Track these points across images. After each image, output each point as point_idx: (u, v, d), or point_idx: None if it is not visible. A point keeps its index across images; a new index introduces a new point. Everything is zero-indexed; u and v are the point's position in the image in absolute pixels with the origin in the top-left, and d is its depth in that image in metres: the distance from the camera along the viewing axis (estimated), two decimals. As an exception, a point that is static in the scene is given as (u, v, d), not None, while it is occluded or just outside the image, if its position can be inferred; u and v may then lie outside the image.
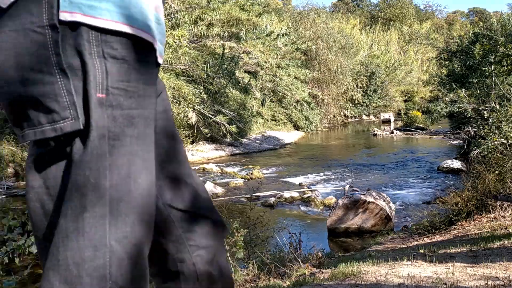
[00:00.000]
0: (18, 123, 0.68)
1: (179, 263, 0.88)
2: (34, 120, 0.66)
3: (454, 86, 12.37)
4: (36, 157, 0.70)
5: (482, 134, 7.24)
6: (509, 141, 6.04)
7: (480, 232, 4.73)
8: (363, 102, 29.30)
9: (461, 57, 12.63)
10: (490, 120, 7.00)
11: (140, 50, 0.68)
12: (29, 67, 0.64)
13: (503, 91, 9.11)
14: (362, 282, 2.56)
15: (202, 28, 17.00)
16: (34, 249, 2.56)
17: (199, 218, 0.90)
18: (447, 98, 16.02)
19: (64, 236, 0.65)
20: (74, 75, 0.64)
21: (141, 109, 0.68)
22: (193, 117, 14.32)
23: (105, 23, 0.64)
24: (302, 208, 8.10)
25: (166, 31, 14.69)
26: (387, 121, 25.77)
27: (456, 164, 10.79)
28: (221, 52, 16.82)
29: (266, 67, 20.37)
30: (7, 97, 0.66)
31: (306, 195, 8.70)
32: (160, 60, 0.75)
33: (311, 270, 3.43)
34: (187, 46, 15.20)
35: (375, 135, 19.64)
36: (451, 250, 3.47)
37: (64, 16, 0.63)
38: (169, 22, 15.72)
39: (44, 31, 0.63)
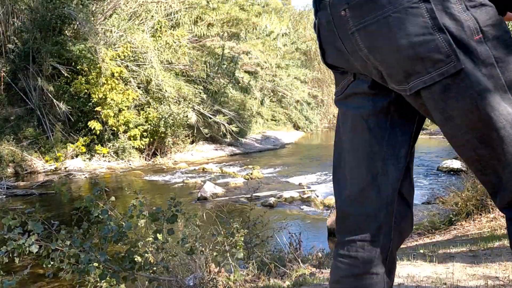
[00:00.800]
0: (404, 80, 0.90)
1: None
2: (422, 72, 0.87)
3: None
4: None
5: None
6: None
7: (480, 232, 4.73)
8: (363, 102, 29.33)
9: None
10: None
11: None
12: (414, 34, 0.85)
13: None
14: (362, 282, 2.56)
15: (202, 28, 17.00)
16: (34, 249, 2.56)
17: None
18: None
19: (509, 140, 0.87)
20: (450, 31, 0.85)
21: (509, 33, 0.87)
22: (193, 117, 14.32)
23: None
24: (302, 208, 8.10)
25: (166, 31, 14.72)
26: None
27: (456, 164, 10.79)
28: (221, 52, 16.82)
29: (266, 67, 20.38)
30: (397, 61, 0.88)
31: (306, 195, 8.70)
32: None
33: (311, 270, 3.43)
34: (187, 46, 15.19)
35: (375, 135, 19.63)
36: (451, 250, 3.47)
37: None
38: (169, 22, 15.71)
39: (418, 5, 0.85)
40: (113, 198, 3.06)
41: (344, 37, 0.95)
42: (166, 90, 13.58)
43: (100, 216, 2.82)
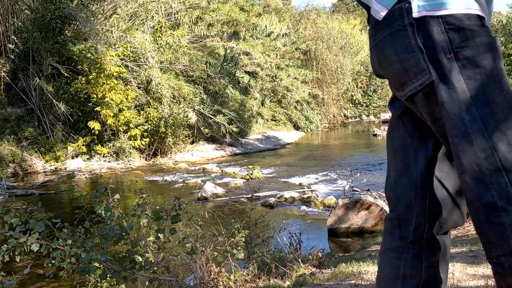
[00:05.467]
0: (400, 88, 1.09)
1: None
2: (409, 82, 1.05)
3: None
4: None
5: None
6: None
7: (480, 232, 4.73)
8: (363, 102, 29.32)
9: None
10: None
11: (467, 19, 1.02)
12: (401, 51, 1.04)
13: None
14: (362, 282, 2.56)
15: (202, 29, 17.01)
16: (35, 247, 2.56)
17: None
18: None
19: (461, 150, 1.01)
20: (426, 49, 1.01)
21: (482, 54, 1.00)
22: (193, 117, 14.32)
23: (439, 12, 1.01)
24: (302, 208, 8.10)
25: (166, 31, 14.73)
26: (387, 121, 25.72)
27: (456, 164, 10.78)
28: (223, 53, 16.83)
29: (266, 67, 20.38)
30: (393, 72, 1.09)
31: (306, 195, 8.70)
32: (484, 16, 1.05)
33: (311, 270, 3.43)
34: (187, 46, 15.20)
35: (375, 135, 19.65)
36: (451, 250, 3.47)
37: (415, 15, 1.02)
38: (169, 23, 15.71)
39: (406, 28, 1.03)
40: (117, 196, 3.06)
41: (371, 52, 1.19)
42: (162, 92, 13.57)
43: (103, 213, 2.82)
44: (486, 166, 0.96)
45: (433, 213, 1.17)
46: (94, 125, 12.70)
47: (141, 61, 13.91)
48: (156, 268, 2.93)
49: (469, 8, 1.02)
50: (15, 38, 13.09)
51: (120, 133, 13.23)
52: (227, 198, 8.80)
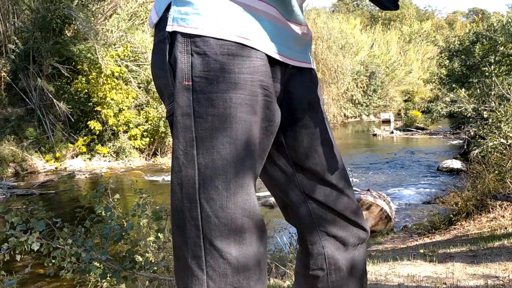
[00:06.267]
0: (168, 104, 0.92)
1: (310, 245, 1.04)
2: (165, 101, 0.90)
3: (454, 86, 12.38)
4: None
5: (482, 134, 7.25)
6: (509, 141, 6.04)
7: (480, 232, 4.74)
8: (363, 102, 29.31)
9: (462, 56, 12.64)
10: (490, 120, 7.01)
11: (220, 46, 0.84)
12: (157, 67, 0.89)
13: (503, 91, 9.12)
14: (362, 282, 2.56)
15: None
16: (35, 246, 2.57)
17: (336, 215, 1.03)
18: (447, 98, 16.04)
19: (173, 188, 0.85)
20: (173, 70, 0.85)
21: (221, 93, 0.82)
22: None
23: (189, 30, 0.84)
24: (302, 208, 8.10)
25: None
26: (387, 121, 25.76)
27: (456, 164, 10.80)
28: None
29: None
30: (156, 85, 0.93)
31: (306, 195, 8.70)
32: (249, 43, 0.86)
33: (311, 269, 3.43)
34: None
35: (375, 135, 19.64)
36: (451, 250, 3.48)
37: (168, 29, 0.85)
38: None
39: (164, 41, 0.87)
40: (117, 196, 3.07)
41: None
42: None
43: (103, 213, 2.82)
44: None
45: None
46: (95, 125, 12.71)
47: (141, 61, 13.92)
48: (156, 268, 2.94)
49: (227, 32, 0.83)
50: (16, 38, 13.09)
51: (120, 133, 13.23)
52: (227, 198, 8.79)
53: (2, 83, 13.08)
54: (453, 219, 5.85)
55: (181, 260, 0.82)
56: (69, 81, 13.27)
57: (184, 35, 0.84)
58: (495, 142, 6.26)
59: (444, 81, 13.93)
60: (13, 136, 12.10)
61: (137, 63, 13.89)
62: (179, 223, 0.83)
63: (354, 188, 6.01)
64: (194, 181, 0.81)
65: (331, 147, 1.03)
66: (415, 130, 19.79)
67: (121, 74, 13.06)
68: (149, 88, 14.06)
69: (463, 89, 11.56)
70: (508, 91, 8.82)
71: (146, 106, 13.96)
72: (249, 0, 0.86)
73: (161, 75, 0.88)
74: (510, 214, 5.20)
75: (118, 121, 12.95)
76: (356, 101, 28.78)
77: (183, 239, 0.82)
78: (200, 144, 0.82)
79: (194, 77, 0.82)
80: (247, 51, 0.85)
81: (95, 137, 13.06)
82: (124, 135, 13.23)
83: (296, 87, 0.99)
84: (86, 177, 11.27)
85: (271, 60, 0.90)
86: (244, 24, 0.85)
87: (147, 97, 14.06)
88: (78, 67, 13.21)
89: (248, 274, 0.80)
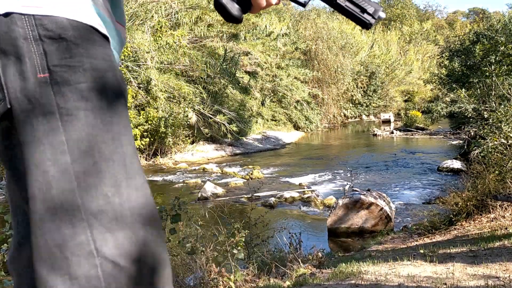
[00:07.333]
0: None
1: None
2: None
3: (454, 86, 12.38)
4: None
5: (482, 134, 7.24)
6: (509, 141, 6.04)
7: (480, 232, 4.73)
8: (363, 102, 29.31)
9: (462, 56, 12.64)
10: (490, 120, 7.01)
11: (76, 28, 0.69)
12: None
13: (503, 91, 9.12)
14: (362, 282, 2.56)
15: (202, 29, 17.01)
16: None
17: None
18: (447, 98, 16.03)
19: (38, 219, 0.65)
20: (7, 60, 0.66)
21: (90, 82, 0.68)
22: (193, 117, 14.33)
23: (33, 9, 0.67)
24: (302, 208, 8.10)
25: (166, 31, 14.73)
26: (387, 121, 25.77)
27: (456, 164, 10.80)
28: (223, 53, 16.82)
29: (266, 67, 20.39)
30: None
31: (306, 195, 8.70)
32: (106, 33, 0.73)
33: (311, 270, 3.43)
34: (187, 46, 15.20)
35: (375, 135, 19.64)
36: (451, 250, 3.47)
37: (0, 10, 0.67)
38: (169, 23, 15.72)
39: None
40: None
41: None
42: (157, 94, 13.58)
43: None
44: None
45: None
46: (94, 125, 12.71)
47: (141, 61, 13.92)
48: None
49: (82, 16, 0.69)
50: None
51: (120, 133, 13.23)
52: (227, 198, 8.80)
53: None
54: (453, 219, 5.85)
55: None
56: (69, 81, 13.26)
57: (25, 16, 0.66)
58: (495, 142, 6.25)
59: (444, 81, 13.93)
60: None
61: (137, 63, 13.89)
62: (58, 264, 0.64)
63: (354, 188, 5.99)
64: (73, 197, 0.64)
65: None
66: (415, 130, 19.79)
67: (121, 74, 13.05)
68: (149, 88, 14.06)
69: (464, 89, 11.56)
70: (509, 91, 8.81)
71: (146, 106, 13.96)
72: None
73: None
74: (510, 214, 5.19)
75: (118, 121, 12.94)
76: (356, 101, 28.78)
77: None
78: (73, 147, 0.65)
79: (52, 67, 0.66)
80: (104, 41, 0.72)
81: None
82: (124, 135, 13.23)
83: None
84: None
85: None
86: (95, 15, 0.72)
87: (147, 97, 14.06)
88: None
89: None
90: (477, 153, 6.96)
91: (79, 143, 0.66)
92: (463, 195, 5.95)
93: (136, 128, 13.35)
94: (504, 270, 2.59)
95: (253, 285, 3.15)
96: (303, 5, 0.88)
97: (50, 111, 0.66)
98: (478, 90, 11.02)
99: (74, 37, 0.68)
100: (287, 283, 3.00)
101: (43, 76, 0.66)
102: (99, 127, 0.67)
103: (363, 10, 0.84)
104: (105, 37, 0.73)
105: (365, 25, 0.85)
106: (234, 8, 0.83)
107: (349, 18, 0.86)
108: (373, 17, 0.85)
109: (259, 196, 8.58)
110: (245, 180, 10.51)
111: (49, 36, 0.67)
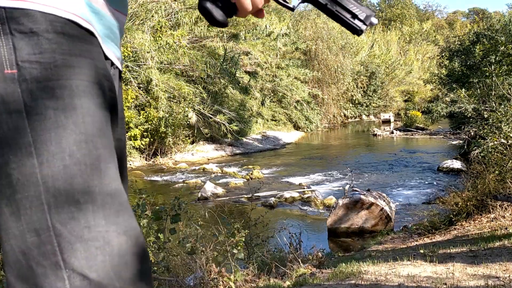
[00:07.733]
0: None
1: None
2: None
3: (454, 86, 12.39)
4: None
5: (482, 134, 7.24)
6: (509, 141, 6.04)
7: (480, 232, 4.73)
8: (363, 102, 29.31)
9: (462, 56, 12.65)
10: (490, 120, 7.01)
11: (52, 22, 0.65)
12: None
13: (503, 91, 9.12)
14: (362, 282, 2.57)
15: (202, 29, 17.01)
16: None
17: None
18: (447, 98, 16.03)
19: (2, 224, 0.62)
20: None
21: (63, 80, 0.64)
22: (193, 117, 14.33)
23: (5, 2, 0.63)
24: (302, 208, 8.10)
25: (166, 31, 14.74)
26: (387, 121, 25.78)
27: (456, 164, 10.80)
28: (222, 53, 16.82)
29: (266, 67, 20.39)
30: None
31: (306, 195, 8.70)
32: (88, 27, 0.69)
33: (311, 270, 3.43)
34: (187, 46, 15.20)
35: (375, 135, 19.65)
36: (451, 250, 3.47)
37: None
38: (169, 23, 15.72)
39: None
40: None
41: None
42: (158, 94, 13.58)
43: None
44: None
45: None
46: (94, 125, 12.70)
47: (141, 61, 13.92)
48: (156, 268, 2.93)
49: (60, 9, 0.65)
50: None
51: (120, 133, 13.23)
52: (227, 198, 8.80)
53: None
54: (453, 219, 5.85)
55: None
56: (69, 81, 13.26)
57: None
58: (495, 142, 6.25)
59: (444, 81, 13.94)
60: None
61: (137, 63, 13.89)
62: (24, 272, 0.61)
63: (354, 188, 5.98)
64: (40, 202, 0.60)
65: (125, 167, 0.86)
66: (415, 130, 19.80)
67: (121, 74, 13.05)
68: (149, 88, 14.07)
69: (464, 89, 11.57)
70: (509, 91, 8.81)
71: (146, 106, 13.97)
72: None
73: None
74: (510, 214, 5.19)
75: (118, 121, 12.95)
76: (356, 101, 28.78)
77: None
78: (42, 149, 0.61)
79: (20, 63, 0.62)
80: (86, 36, 0.68)
81: (95, 137, 13.05)
82: (124, 135, 13.23)
83: (117, 92, 0.82)
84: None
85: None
86: (80, 7, 0.68)
87: (147, 97, 14.06)
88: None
89: None
90: (477, 153, 6.97)
91: (48, 144, 0.61)
92: (463, 195, 5.95)
93: (136, 128, 13.35)
94: (504, 270, 2.59)
95: (253, 285, 3.15)
96: (292, 9, 0.84)
97: (16, 110, 0.61)
98: (478, 90, 11.02)
99: (47, 32, 0.63)
100: (287, 283, 3.00)
101: (10, 72, 0.62)
102: (70, 128, 0.63)
103: (354, 16, 0.80)
104: (88, 31, 0.68)
105: (356, 31, 0.81)
106: (218, 13, 0.80)
107: (339, 23, 0.82)
108: (365, 23, 0.81)
109: (259, 196, 8.58)
110: (245, 180, 10.51)
111: (19, 30, 0.63)
